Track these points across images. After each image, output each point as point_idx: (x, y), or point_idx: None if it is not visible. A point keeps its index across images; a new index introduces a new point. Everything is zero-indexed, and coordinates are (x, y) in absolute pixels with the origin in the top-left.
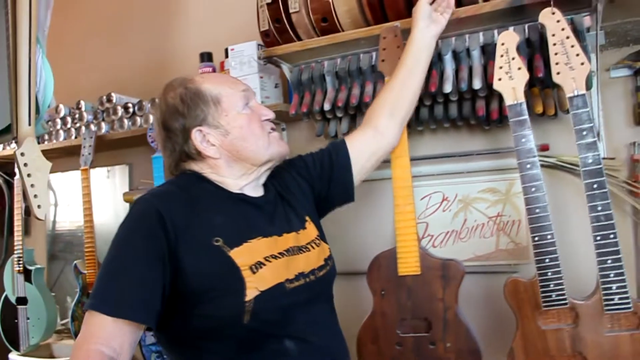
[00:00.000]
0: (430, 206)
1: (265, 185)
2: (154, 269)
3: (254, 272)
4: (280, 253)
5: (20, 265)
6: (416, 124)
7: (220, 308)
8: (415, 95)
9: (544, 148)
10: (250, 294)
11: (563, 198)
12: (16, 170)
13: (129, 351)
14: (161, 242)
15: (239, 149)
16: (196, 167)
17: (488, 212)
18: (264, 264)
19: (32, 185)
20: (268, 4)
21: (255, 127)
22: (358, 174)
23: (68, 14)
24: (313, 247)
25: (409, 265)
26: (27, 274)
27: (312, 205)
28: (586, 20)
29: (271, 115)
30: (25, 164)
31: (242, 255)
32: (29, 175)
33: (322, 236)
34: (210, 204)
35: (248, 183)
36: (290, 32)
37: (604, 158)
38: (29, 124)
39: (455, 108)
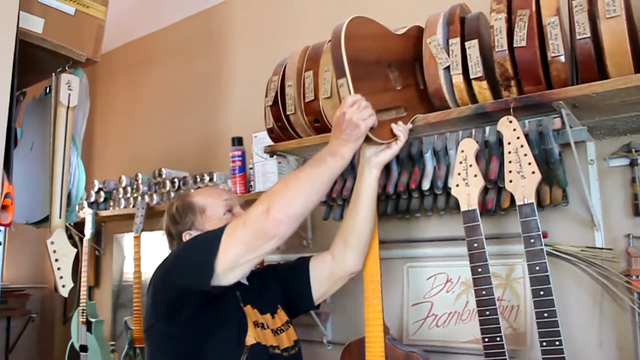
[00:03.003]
0: (435, 286)
1: (249, 279)
2: None
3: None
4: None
5: (84, 317)
6: (414, 212)
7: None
8: (365, 227)
9: (542, 235)
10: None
11: (558, 285)
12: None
13: None
14: None
15: None
16: None
17: None
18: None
19: (58, 269)
20: (270, 106)
21: None
22: (318, 292)
23: (133, 97)
24: (283, 330)
25: (375, 355)
26: (89, 325)
27: (283, 300)
28: (556, 123)
29: None
30: (54, 251)
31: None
32: (56, 260)
33: (291, 322)
34: None
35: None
36: (290, 130)
37: (601, 248)
38: (60, 217)
39: (443, 200)
